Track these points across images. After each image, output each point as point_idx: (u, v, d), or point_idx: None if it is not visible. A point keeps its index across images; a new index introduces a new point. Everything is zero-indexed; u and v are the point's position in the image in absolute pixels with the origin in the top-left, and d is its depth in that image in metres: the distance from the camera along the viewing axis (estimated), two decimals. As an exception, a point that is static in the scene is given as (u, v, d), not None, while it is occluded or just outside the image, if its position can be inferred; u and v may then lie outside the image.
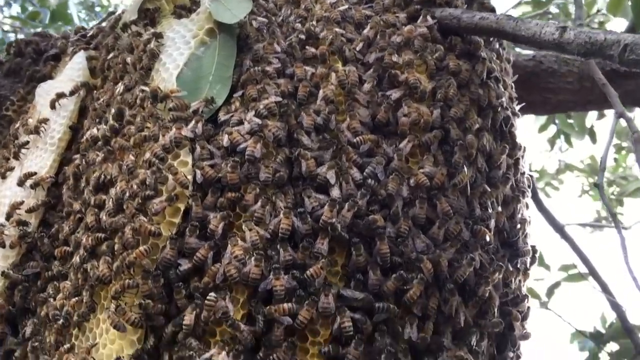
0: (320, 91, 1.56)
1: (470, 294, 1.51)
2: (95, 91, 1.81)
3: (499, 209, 1.62)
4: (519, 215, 1.69)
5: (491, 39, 1.77)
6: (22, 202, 1.69)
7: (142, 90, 1.61)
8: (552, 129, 4.33)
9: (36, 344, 1.50)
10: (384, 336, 1.38)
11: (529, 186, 1.75)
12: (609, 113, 3.89)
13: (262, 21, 1.72)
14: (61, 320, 1.46)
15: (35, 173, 1.72)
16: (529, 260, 1.68)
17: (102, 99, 1.73)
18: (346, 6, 1.73)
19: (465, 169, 1.55)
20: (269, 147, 1.48)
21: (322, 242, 1.39)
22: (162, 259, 1.39)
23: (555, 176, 5.50)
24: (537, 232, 1.79)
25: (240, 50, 1.68)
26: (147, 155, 1.50)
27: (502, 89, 1.73)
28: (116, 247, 1.44)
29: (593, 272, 2.62)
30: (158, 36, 1.71)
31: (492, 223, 1.58)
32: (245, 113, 1.53)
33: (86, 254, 1.48)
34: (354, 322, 1.35)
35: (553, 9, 3.90)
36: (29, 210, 1.68)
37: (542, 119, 4.25)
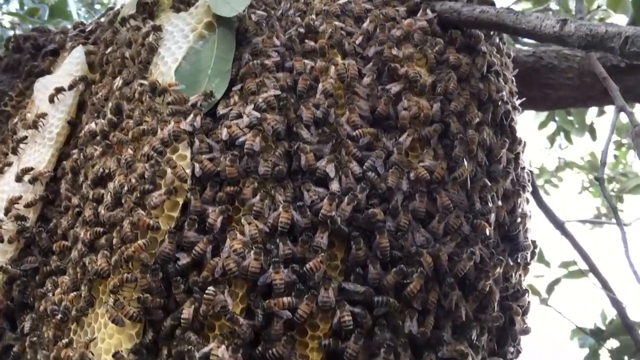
0: (320, 85, 1.56)
1: (470, 288, 1.51)
2: (93, 86, 1.81)
3: (499, 203, 1.62)
4: (520, 210, 1.68)
5: (491, 33, 1.76)
6: (20, 197, 1.69)
7: (141, 84, 1.61)
8: (552, 126, 4.32)
9: (34, 339, 1.50)
10: (384, 330, 1.37)
11: (529, 181, 1.75)
12: (609, 110, 3.89)
13: (261, 14, 1.71)
14: (60, 315, 1.46)
15: (33, 168, 1.72)
16: (529, 254, 1.68)
17: (100, 94, 1.72)
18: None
19: (466, 162, 1.54)
20: (268, 141, 1.48)
21: (321, 235, 1.38)
22: (161, 253, 1.38)
23: (554, 174, 5.49)
24: (537, 229, 1.78)
25: (239, 43, 1.67)
26: (146, 149, 1.49)
27: (503, 83, 1.73)
28: (115, 241, 1.44)
29: (593, 269, 2.61)
30: (157, 29, 1.70)
31: (493, 217, 1.58)
32: (244, 106, 1.52)
33: (85, 249, 1.48)
34: (354, 316, 1.35)
35: (553, 6, 3.88)
36: (27, 205, 1.68)
37: (542, 116, 4.24)
